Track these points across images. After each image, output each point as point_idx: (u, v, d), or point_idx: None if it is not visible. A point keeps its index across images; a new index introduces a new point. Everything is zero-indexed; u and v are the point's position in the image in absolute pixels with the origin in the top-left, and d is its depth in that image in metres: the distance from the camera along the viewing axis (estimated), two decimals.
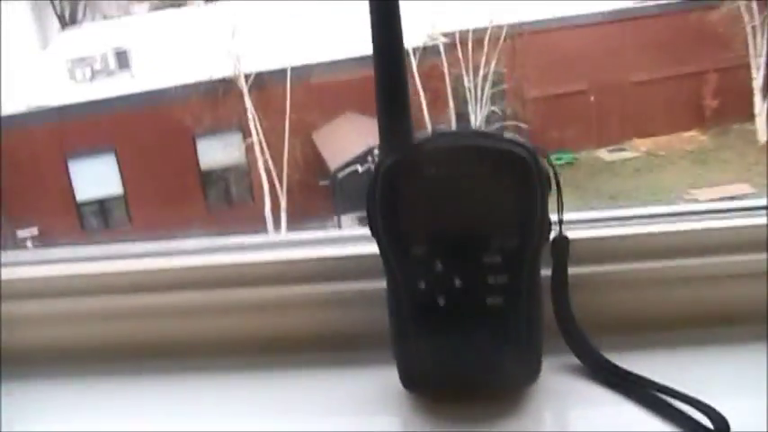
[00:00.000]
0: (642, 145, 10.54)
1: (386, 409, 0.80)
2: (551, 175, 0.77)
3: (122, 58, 10.34)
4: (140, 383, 0.90)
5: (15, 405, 0.87)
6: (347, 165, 9.52)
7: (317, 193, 9.60)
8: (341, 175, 9.53)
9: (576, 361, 0.81)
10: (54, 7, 12.10)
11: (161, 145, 9.77)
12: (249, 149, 9.91)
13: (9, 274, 0.93)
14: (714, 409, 0.72)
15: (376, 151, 9.34)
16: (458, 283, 0.76)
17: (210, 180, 10.22)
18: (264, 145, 9.74)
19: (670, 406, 0.75)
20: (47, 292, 0.94)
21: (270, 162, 9.72)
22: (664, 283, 0.86)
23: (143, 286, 0.92)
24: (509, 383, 0.79)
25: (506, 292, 0.76)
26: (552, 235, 0.80)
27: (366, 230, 0.80)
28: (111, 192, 9.87)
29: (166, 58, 10.42)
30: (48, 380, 0.92)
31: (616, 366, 0.80)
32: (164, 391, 0.88)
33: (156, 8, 13.20)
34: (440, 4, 9.31)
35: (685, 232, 0.86)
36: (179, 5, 12.79)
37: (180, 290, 0.91)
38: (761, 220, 0.86)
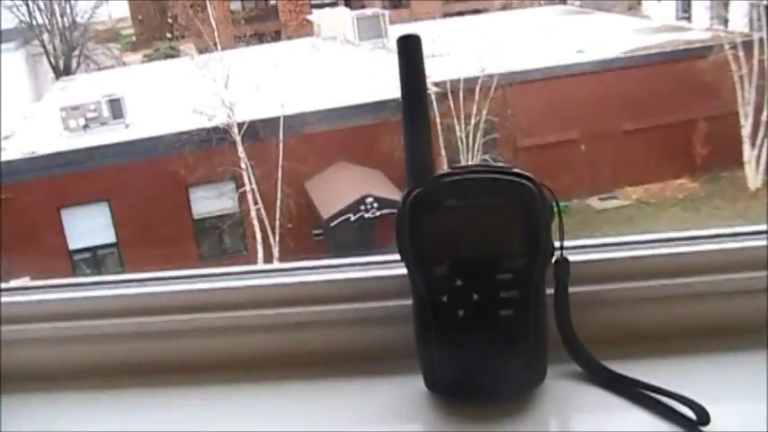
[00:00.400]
0: (633, 193, 10.61)
1: (411, 410, 0.90)
2: (553, 205, 0.87)
3: (116, 107, 10.40)
4: (173, 396, 0.97)
5: (14, 418, 0.93)
6: (339, 213, 9.55)
7: (309, 242, 9.61)
8: (333, 223, 9.56)
9: (576, 367, 0.91)
10: (49, 59, 12.21)
11: (154, 194, 9.78)
12: (242, 198, 9.94)
13: (9, 300, 0.99)
14: (697, 403, 0.81)
15: (368, 200, 9.42)
16: (475, 297, 0.86)
17: (204, 229, 10.23)
18: (257, 194, 9.77)
19: (659, 402, 0.84)
20: (51, 316, 0.99)
21: (262, 211, 9.74)
22: (655, 300, 0.95)
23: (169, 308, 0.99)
24: (519, 385, 0.88)
25: (516, 305, 0.86)
26: (554, 258, 0.89)
27: (391, 256, 0.91)
28: (103, 240, 9.87)
29: (160, 107, 10.49)
30: (46, 395, 0.97)
31: (610, 371, 0.89)
32: (193, 401, 0.96)
33: (150, 59, 13.34)
34: (431, 53, 9.41)
35: (670, 255, 0.96)
36: (172, 57, 12.92)
37: (227, 310, 0.98)
38: (747, 243, 0.95)
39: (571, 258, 0.90)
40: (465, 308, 0.86)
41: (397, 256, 0.89)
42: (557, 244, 0.89)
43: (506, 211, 0.86)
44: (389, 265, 0.96)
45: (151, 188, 9.75)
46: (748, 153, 10.54)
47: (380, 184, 9.53)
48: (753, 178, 10.48)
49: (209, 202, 10.19)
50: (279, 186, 9.72)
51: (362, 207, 9.43)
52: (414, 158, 0.88)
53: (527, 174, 0.86)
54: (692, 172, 10.75)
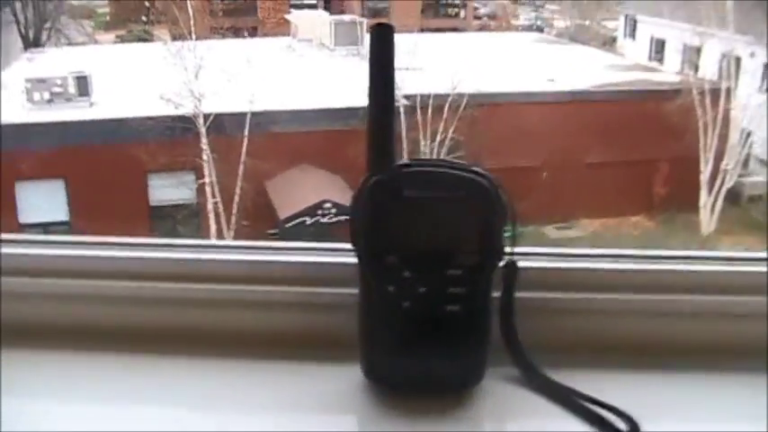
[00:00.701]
0: (590, 225, 10.71)
1: (346, 399, 0.90)
2: (508, 207, 0.87)
3: (83, 85, 10.28)
4: (113, 365, 0.96)
5: (12, 372, 0.93)
6: (296, 215, 9.52)
7: (263, 240, 9.55)
8: (289, 225, 9.52)
9: (515, 372, 0.91)
10: (19, 28, 12.04)
11: (113, 176, 9.67)
12: (201, 190, 9.86)
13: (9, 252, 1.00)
14: (629, 416, 0.83)
15: (326, 205, 9.40)
16: (422, 290, 0.85)
17: (159, 216, 10.14)
18: (216, 188, 9.70)
19: (592, 412, 0.85)
20: (45, 272, 0.99)
21: (220, 205, 9.68)
22: (600, 312, 0.97)
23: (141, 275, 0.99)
24: (457, 382, 0.89)
25: (463, 302, 0.86)
26: (504, 261, 0.89)
27: (344, 245, 0.90)
28: (56, 218, 9.75)
29: (127, 90, 10.39)
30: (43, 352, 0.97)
31: (548, 377, 0.90)
32: (129, 372, 0.95)
33: (123, 40, 13.23)
34: (404, 66, 9.43)
35: (612, 271, 0.97)
36: (145, 40, 12.83)
37: (170, 281, 0.98)
38: (672, 267, 0.98)
39: (521, 264, 0.91)
40: (411, 300, 0.85)
41: (349, 245, 0.88)
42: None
43: (463, 207, 0.86)
44: (340, 253, 0.95)
45: (110, 170, 9.63)
46: (704, 198, 10.69)
47: (340, 190, 9.51)
48: (706, 223, 10.63)
49: (167, 190, 10.10)
50: (239, 182, 9.66)
51: (320, 211, 9.41)
52: (376, 146, 0.87)
53: (486, 173, 0.86)
54: (649, 210, 10.87)
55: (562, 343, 0.94)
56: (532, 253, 0.96)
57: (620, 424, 0.83)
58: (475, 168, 0.86)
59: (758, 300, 0.95)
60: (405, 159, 0.87)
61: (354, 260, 0.88)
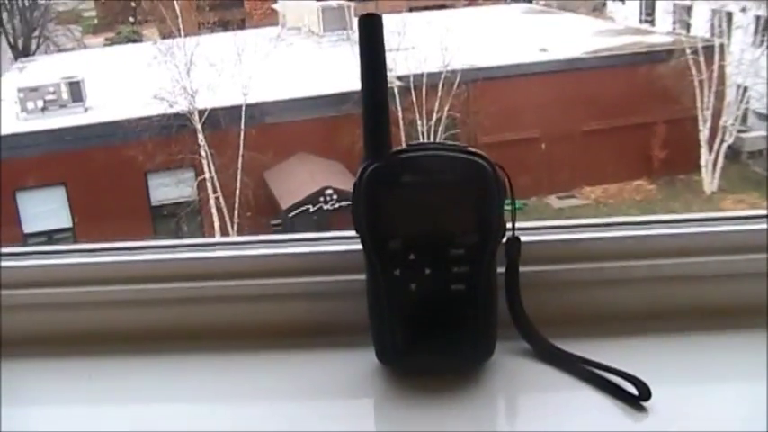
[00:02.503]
0: (591, 193, 10.72)
1: (361, 383, 0.92)
2: (507, 185, 0.89)
3: (75, 90, 10.27)
4: (127, 367, 0.97)
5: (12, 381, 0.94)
6: (298, 204, 9.54)
7: (267, 232, 9.57)
8: (292, 214, 9.54)
9: (525, 345, 0.93)
10: (8, 38, 12.02)
11: (112, 179, 9.68)
12: (201, 186, 9.87)
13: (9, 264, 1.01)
14: (639, 379, 0.84)
15: (327, 192, 9.41)
16: (427, 271, 0.87)
17: (161, 216, 10.15)
18: (217, 183, 9.71)
19: (603, 379, 0.87)
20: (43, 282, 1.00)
21: (221, 199, 9.69)
22: (603, 281, 0.98)
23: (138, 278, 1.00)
24: (468, 359, 0.91)
25: (468, 280, 0.88)
26: (506, 237, 0.91)
27: (347, 232, 0.93)
28: (59, 225, 9.76)
29: (120, 92, 10.38)
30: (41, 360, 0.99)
31: (557, 347, 0.91)
32: (149, 372, 0.97)
33: (112, 43, 13.21)
34: (395, 47, 9.41)
35: (612, 239, 0.99)
36: (134, 41, 12.81)
37: (178, 281, 1.00)
38: (672, 231, 0.99)
39: (523, 239, 0.92)
40: (417, 282, 0.87)
41: (353, 233, 0.90)
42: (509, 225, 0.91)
43: (461, 189, 0.87)
44: (345, 241, 0.97)
45: (109, 173, 9.65)
46: (705, 157, 10.68)
47: (340, 176, 9.52)
48: (708, 182, 10.63)
49: (167, 189, 10.11)
50: (239, 175, 9.68)
51: (321, 198, 9.43)
52: (372, 134, 0.89)
53: (482, 153, 0.87)
54: (649, 174, 10.88)
55: (568, 313, 0.95)
56: (533, 227, 0.97)
57: (631, 388, 0.84)
58: (470, 149, 0.88)
59: (759, 257, 0.95)
60: (401, 146, 0.89)
61: (358, 247, 0.90)
